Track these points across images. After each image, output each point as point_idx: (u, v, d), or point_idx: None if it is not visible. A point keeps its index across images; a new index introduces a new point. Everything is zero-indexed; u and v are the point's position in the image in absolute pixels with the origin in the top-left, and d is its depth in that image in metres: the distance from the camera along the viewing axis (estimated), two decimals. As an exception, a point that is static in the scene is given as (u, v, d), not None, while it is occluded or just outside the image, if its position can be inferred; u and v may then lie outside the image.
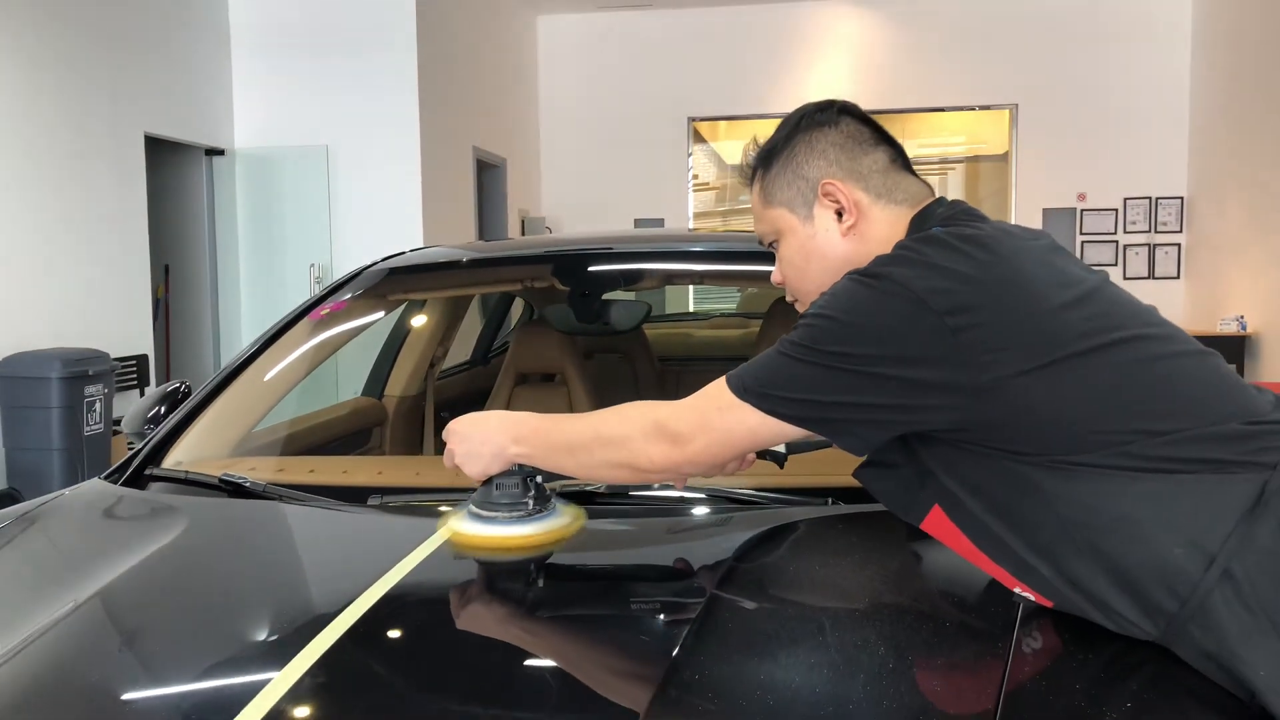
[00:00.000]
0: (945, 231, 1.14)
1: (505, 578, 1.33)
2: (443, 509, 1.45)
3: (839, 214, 1.24)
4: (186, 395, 2.16)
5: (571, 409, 2.53)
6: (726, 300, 5.60)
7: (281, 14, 7.49)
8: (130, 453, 1.90)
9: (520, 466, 1.32)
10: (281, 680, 0.99)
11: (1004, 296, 1.06)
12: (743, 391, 1.14)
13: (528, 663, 1.12)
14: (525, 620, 1.21)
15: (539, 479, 1.35)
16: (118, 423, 5.96)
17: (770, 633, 1.12)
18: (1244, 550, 0.98)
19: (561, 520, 1.36)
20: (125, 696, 1.09)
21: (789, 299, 1.34)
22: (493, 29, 9.29)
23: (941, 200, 1.25)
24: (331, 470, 1.84)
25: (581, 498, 1.45)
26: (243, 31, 7.53)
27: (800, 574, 1.30)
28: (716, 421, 1.15)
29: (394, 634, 1.15)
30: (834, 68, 10.13)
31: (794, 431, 1.14)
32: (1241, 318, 8.30)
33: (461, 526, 1.35)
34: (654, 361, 3.28)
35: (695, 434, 1.16)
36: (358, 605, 1.13)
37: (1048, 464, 1.04)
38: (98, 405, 5.43)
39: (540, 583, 1.31)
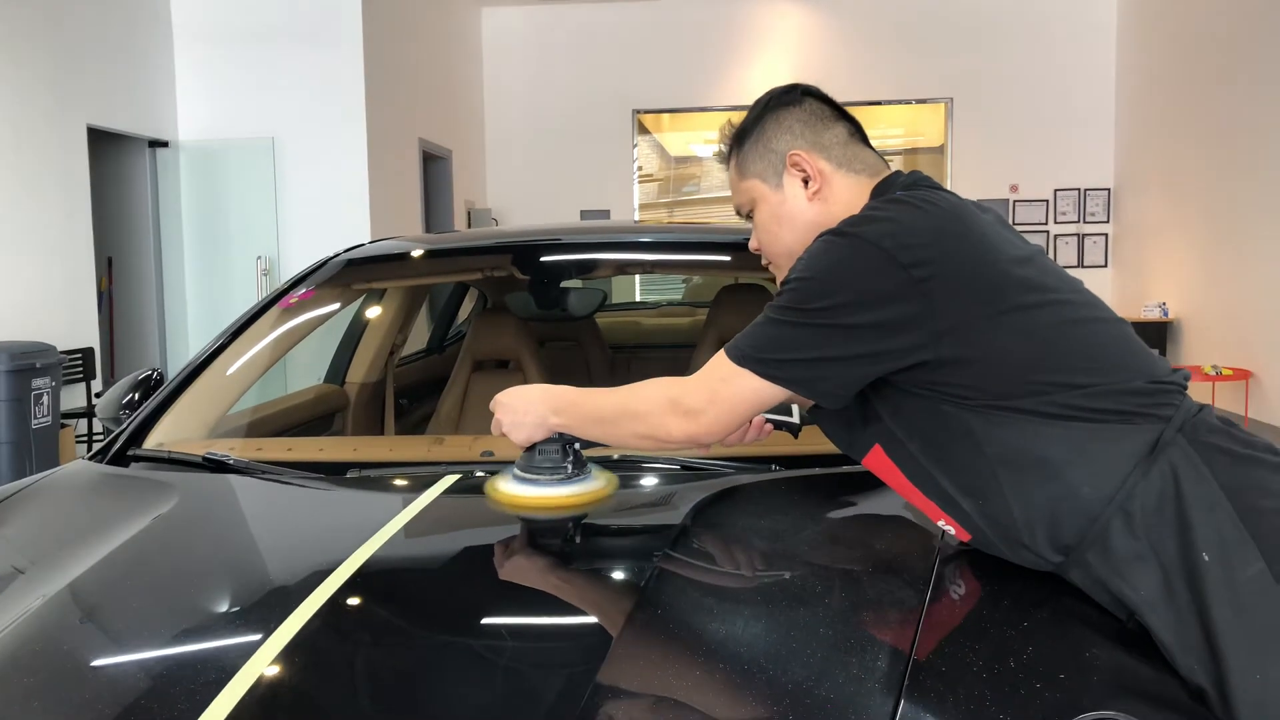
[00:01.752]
0: (908, 194, 1.30)
1: (543, 534, 1.45)
2: (403, 481, 1.58)
3: (805, 181, 1.39)
4: (159, 382, 2.25)
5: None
6: (672, 291, 5.74)
7: (226, 4, 7.47)
8: (111, 435, 2.00)
9: (560, 435, 1.45)
10: (284, 630, 1.10)
11: (960, 251, 1.21)
12: (740, 359, 1.25)
13: (545, 606, 1.23)
14: (559, 570, 1.32)
15: (577, 446, 1.47)
16: (65, 415, 5.94)
17: (731, 578, 1.28)
18: (1139, 489, 1.15)
19: (596, 484, 1.48)
20: (133, 655, 1.18)
21: (764, 263, 1.49)
22: (438, 21, 9.32)
23: (900, 172, 1.41)
24: (308, 449, 1.95)
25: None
26: (186, 22, 7.49)
27: (762, 529, 1.45)
28: (723, 392, 1.27)
29: (379, 593, 1.26)
30: (775, 62, 10.33)
31: (790, 394, 1.27)
32: (1164, 304, 8.66)
33: (505, 487, 1.47)
34: (605, 349, 3.41)
35: (706, 406, 1.28)
36: (344, 568, 1.24)
37: (981, 409, 1.19)
38: (45, 398, 5.42)
39: (576, 539, 1.43)
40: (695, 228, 2.59)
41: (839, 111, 1.44)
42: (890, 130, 11.73)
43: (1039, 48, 9.91)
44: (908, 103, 10.43)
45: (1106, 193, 9.95)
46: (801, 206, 1.39)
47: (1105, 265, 10.02)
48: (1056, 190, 10.03)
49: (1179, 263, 8.56)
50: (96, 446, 2.09)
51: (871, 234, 1.22)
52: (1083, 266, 10.02)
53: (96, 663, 1.17)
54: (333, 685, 1.06)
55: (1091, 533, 1.16)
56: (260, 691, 1.01)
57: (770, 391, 1.25)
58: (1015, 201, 10.10)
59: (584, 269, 2.77)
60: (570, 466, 1.46)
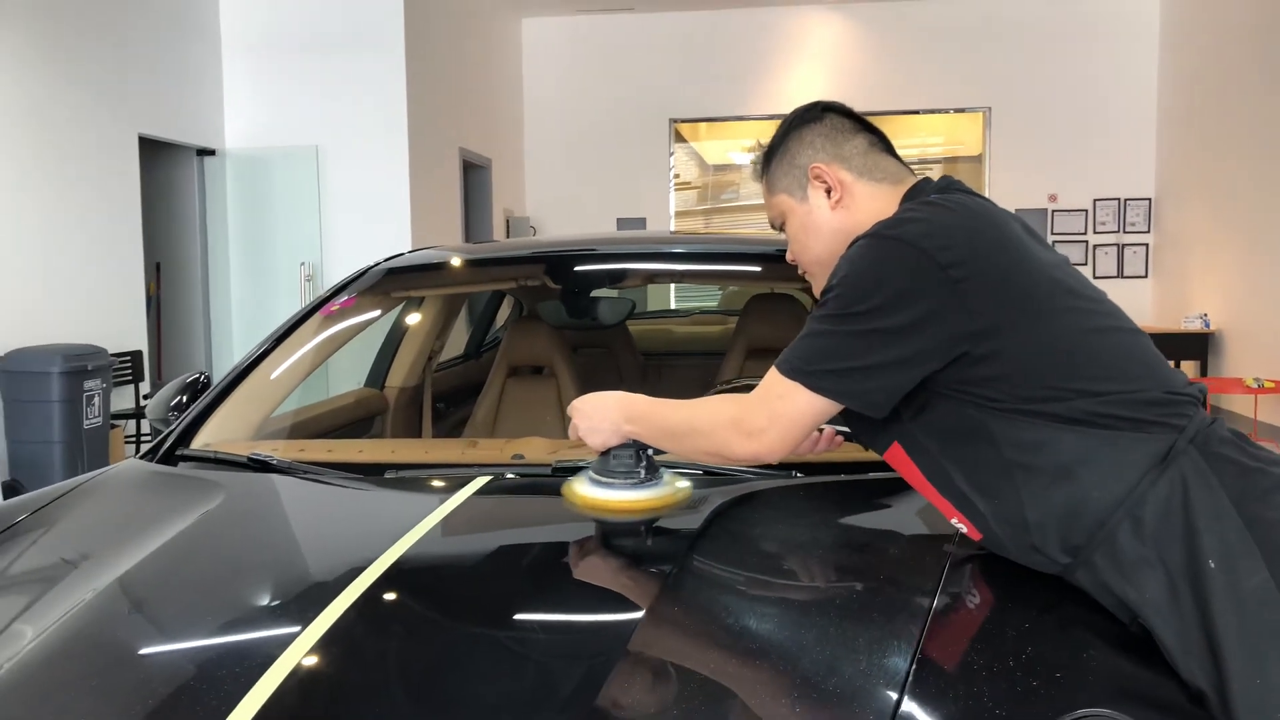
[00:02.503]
0: (942, 198, 1.35)
1: (617, 534, 1.51)
2: (441, 482, 1.64)
3: (828, 192, 1.45)
4: (206, 385, 2.34)
5: (560, 401, 2.72)
6: (708, 298, 5.79)
7: (271, 16, 7.64)
8: (160, 436, 2.09)
9: (633, 441, 1.49)
10: (322, 621, 1.17)
11: (993, 253, 1.26)
12: (791, 373, 1.28)
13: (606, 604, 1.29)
14: (630, 571, 1.38)
15: (650, 452, 1.51)
16: (115, 416, 6.11)
17: (750, 579, 1.34)
18: (1149, 496, 1.19)
19: (668, 489, 1.53)
20: (179, 643, 1.26)
21: (800, 272, 1.54)
22: (478, 31, 9.45)
23: (929, 178, 1.45)
24: (348, 450, 2.03)
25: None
26: (233, 34, 7.67)
27: (783, 533, 1.51)
28: (780, 409, 1.29)
29: (412, 587, 1.33)
30: (812, 71, 10.35)
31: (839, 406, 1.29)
32: (1205, 315, 8.56)
33: (581, 489, 1.53)
34: (637, 356, 3.47)
35: (767, 426, 1.30)
36: (379, 563, 1.31)
37: (1001, 411, 1.23)
38: (96, 399, 5.58)
39: (648, 541, 1.48)
40: (722, 238, 2.64)
41: (860, 124, 1.49)
42: (930, 138, 11.71)
43: (1079, 56, 9.85)
44: (945, 112, 10.39)
45: (1147, 202, 9.86)
46: (826, 216, 1.45)
47: (1146, 276, 9.92)
48: (1096, 200, 9.95)
49: (1221, 273, 8.46)
50: (145, 447, 2.18)
51: (909, 235, 1.26)
52: (1123, 277, 9.93)
53: (144, 650, 1.25)
54: (366, 673, 1.13)
55: (1100, 536, 1.20)
56: (298, 678, 1.08)
57: (824, 404, 1.28)
58: (1054, 211, 10.03)
59: (613, 279, 2.83)
60: (643, 472, 1.51)
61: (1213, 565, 1.15)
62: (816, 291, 1.46)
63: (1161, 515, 1.18)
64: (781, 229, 1.54)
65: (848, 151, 1.46)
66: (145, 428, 6.57)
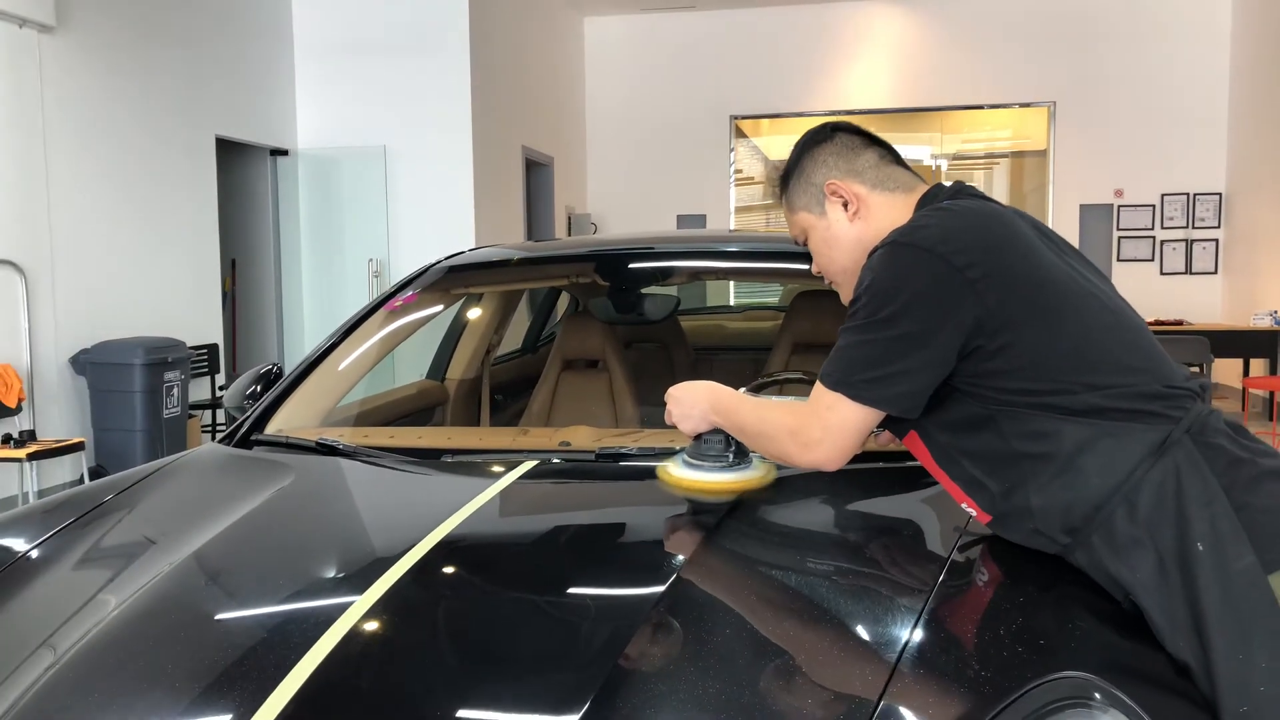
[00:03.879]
0: (954, 203, 1.44)
1: (703, 512, 1.58)
2: (498, 466, 1.78)
3: (845, 205, 1.54)
4: (278, 375, 2.51)
5: (613, 393, 2.83)
6: (769, 294, 5.84)
7: (342, 21, 7.89)
8: (236, 422, 2.25)
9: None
10: (379, 585, 1.31)
11: (1005, 253, 1.34)
12: (834, 385, 1.36)
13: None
14: (708, 546, 1.46)
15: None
16: (193, 407, 6.39)
17: (791, 553, 1.45)
18: (1144, 482, 1.27)
19: (756, 472, 1.62)
20: (252, 608, 1.40)
21: (826, 282, 1.64)
22: (541, 31, 9.62)
23: (942, 185, 1.53)
24: (408, 437, 2.17)
25: None
26: (306, 38, 7.94)
27: (813, 515, 1.61)
28: (831, 420, 1.37)
29: (461, 558, 1.46)
30: (872, 66, 10.34)
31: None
32: (1275, 313, 8.39)
33: (674, 470, 1.64)
34: (689, 350, 3.57)
35: (822, 437, 1.38)
36: (432, 537, 1.45)
37: (1010, 405, 1.32)
38: (175, 390, 5.85)
39: (730, 519, 1.56)
40: (765, 236, 2.73)
41: (870, 140, 1.58)
42: (997, 132, 11.60)
43: (1147, 48, 9.70)
44: (1008, 106, 10.31)
45: (1218, 197, 9.68)
46: (845, 228, 1.54)
47: (1215, 272, 9.74)
48: (1164, 195, 9.79)
49: (1293, 270, 8.29)
50: (220, 434, 2.35)
51: (925, 240, 1.35)
52: (1191, 273, 9.76)
53: (219, 612, 1.40)
54: (416, 634, 1.26)
55: (1097, 519, 1.28)
56: (355, 638, 1.21)
57: (870, 412, 1.35)
58: (1120, 206, 9.89)
59: (659, 276, 2.94)
60: (732, 456, 1.61)
61: (1202, 548, 1.23)
62: (844, 299, 1.55)
63: (1155, 500, 1.26)
64: (805, 244, 1.62)
65: (860, 166, 1.54)
66: (221, 417, 6.86)
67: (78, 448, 5.32)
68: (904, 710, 1.05)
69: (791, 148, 1.63)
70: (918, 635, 1.16)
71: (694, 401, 1.61)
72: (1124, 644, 1.22)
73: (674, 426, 1.64)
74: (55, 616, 1.41)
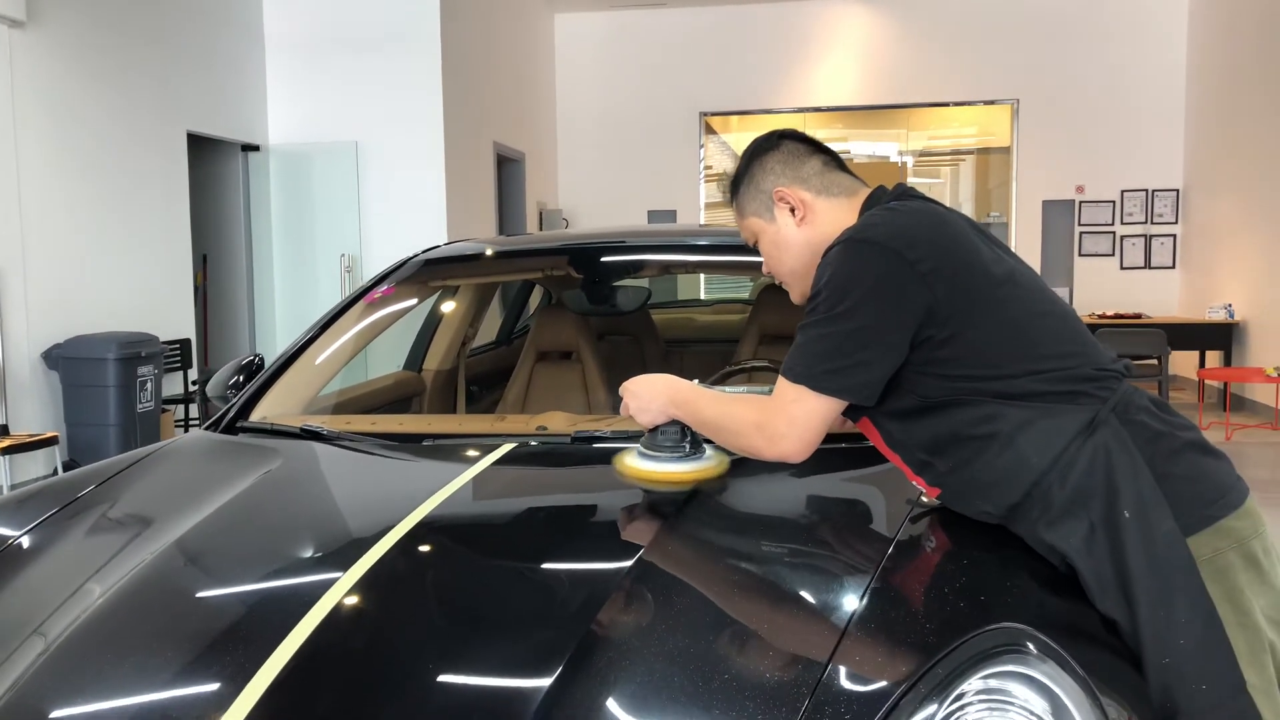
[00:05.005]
0: (900, 204, 1.52)
1: (662, 503, 1.63)
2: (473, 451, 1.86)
3: (792, 211, 1.62)
4: (260, 366, 2.58)
5: (585, 384, 2.92)
6: (740, 289, 5.94)
7: (313, 17, 7.91)
8: (220, 411, 2.33)
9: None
10: (364, 562, 1.39)
11: (950, 249, 1.43)
12: (797, 379, 1.42)
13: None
14: (675, 522, 1.54)
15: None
16: (167, 401, 6.41)
17: (740, 524, 1.56)
18: (1077, 458, 1.37)
19: (710, 463, 1.68)
20: (242, 584, 1.48)
21: (777, 282, 1.73)
22: (512, 28, 9.68)
23: (884, 188, 1.61)
24: (389, 423, 2.25)
25: None
26: (276, 34, 7.96)
27: (773, 489, 1.71)
28: (796, 413, 1.43)
29: (443, 534, 1.54)
30: (840, 64, 10.48)
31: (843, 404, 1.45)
32: (1229, 306, 8.62)
33: (630, 461, 1.69)
34: (660, 342, 3.67)
35: (787, 430, 1.44)
36: (414, 515, 1.53)
37: (957, 391, 1.41)
38: (149, 384, 5.88)
39: (696, 497, 1.60)
40: (737, 231, 2.83)
41: (814, 146, 1.66)
42: (963, 129, 11.77)
43: (1107, 48, 9.90)
44: (973, 104, 10.49)
45: (1175, 193, 9.91)
46: (794, 232, 1.61)
47: (1173, 266, 9.98)
48: (1124, 191, 10.01)
49: (1247, 265, 8.51)
50: (206, 423, 2.43)
51: (879, 236, 1.44)
52: (1150, 268, 9.99)
53: (212, 589, 1.48)
54: (399, 606, 1.34)
55: (1035, 492, 1.39)
56: (341, 611, 1.29)
57: (833, 403, 1.42)
58: (1081, 202, 10.10)
59: (633, 269, 3.04)
60: (688, 446, 1.66)
61: (1128, 515, 1.34)
62: (794, 298, 1.65)
63: (1087, 473, 1.37)
64: (755, 247, 1.70)
65: (805, 173, 1.62)
66: (194, 412, 6.88)
67: (51, 442, 5.34)
68: (856, 659, 1.15)
69: (740, 157, 1.70)
70: (869, 597, 1.27)
71: (652, 395, 1.65)
72: (1058, 602, 1.33)
73: (629, 419, 1.68)
74: (52, 598, 1.47)
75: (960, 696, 1.06)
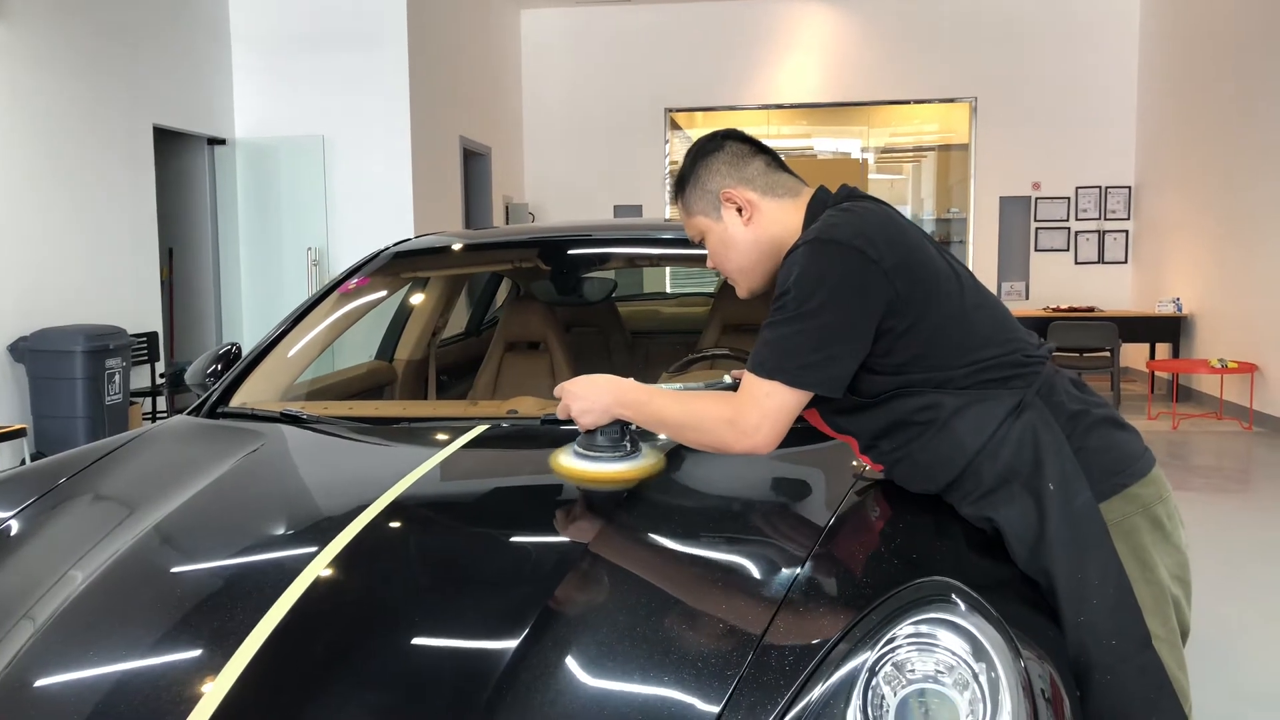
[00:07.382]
0: (855, 205, 1.60)
1: (603, 502, 1.65)
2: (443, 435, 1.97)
3: (739, 210, 1.69)
4: (237, 355, 2.67)
5: (553, 373, 3.03)
6: (705, 283, 6.05)
7: (279, 11, 7.93)
8: (201, 398, 2.41)
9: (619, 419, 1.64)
10: (343, 537, 1.48)
11: (903, 247, 1.53)
12: (770, 374, 1.47)
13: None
14: (634, 501, 1.62)
15: (633, 427, 1.68)
16: (134, 394, 6.43)
17: (700, 503, 1.66)
18: (1005, 436, 1.50)
19: (647, 461, 1.70)
20: (225, 560, 1.56)
21: (721, 278, 1.82)
22: (479, 23, 9.73)
23: (825, 188, 1.68)
24: (365, 408, 2.35)
25: None
26: (243, 28, 7.97)
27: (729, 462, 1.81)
28: (769, 406, 1.48)
29: (417, 511, 1.64)
30: (803, 62, 10.64)
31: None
32: (1177, 299, 8.87)
33: (566, 461, 1.70)
34: (625, 334, 3.78)
35: (760, 423, 1.49)
36: (390, 493, 1.63)
37: (902, 383, 1.52)
38: (117, 377, 5.90)
39: (626, 505, 1.62)
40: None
41: (758, 147, 1.73)
42: (925, 126, 11.96)
43: (1064, 48, 10.14)
44: (932, 102, 10.69)
45: (1127, 191, 10.17)
46: (740, 231, 1.68)
47: (1125, 261, 10.24)
48: (1078, 188, 10.25)
49: (1194, 260, 8.77)
50: (188, 409, 2.51)
51: (842, 236, 1.52)
52: (1103, 263, 10.24)
53: (197, 565, 1.57)
54: (374, 581, 1.44)
55: (969, 469, 1.52)
56: (319, 586, 1.38)
57: (803, 395, 1.49)
58: (1037, 199, 10.34)
59: (599, 261, 3.15)
60: (628, 445, 1.67)
61: (1052, 488, 1.47)
62: (740, 293, 1.73)
63: (1015, 451, 1.50)
64: (702, 244, 1.76)
65: (750, 174, 1.68)
66: (162, 404, 6.90)
67: (19, 434, 5.36)
68: (799, 611, 1.28)
69: (685, 156, 1.75)
70: (812, 561, 1.39)
71: (596, 396, 1.64)
72: (986, 563, 1.46)
73: (569, 420, 1.68)
74: (43, 578, 1.54)
75: (891, 640, 1.18)
